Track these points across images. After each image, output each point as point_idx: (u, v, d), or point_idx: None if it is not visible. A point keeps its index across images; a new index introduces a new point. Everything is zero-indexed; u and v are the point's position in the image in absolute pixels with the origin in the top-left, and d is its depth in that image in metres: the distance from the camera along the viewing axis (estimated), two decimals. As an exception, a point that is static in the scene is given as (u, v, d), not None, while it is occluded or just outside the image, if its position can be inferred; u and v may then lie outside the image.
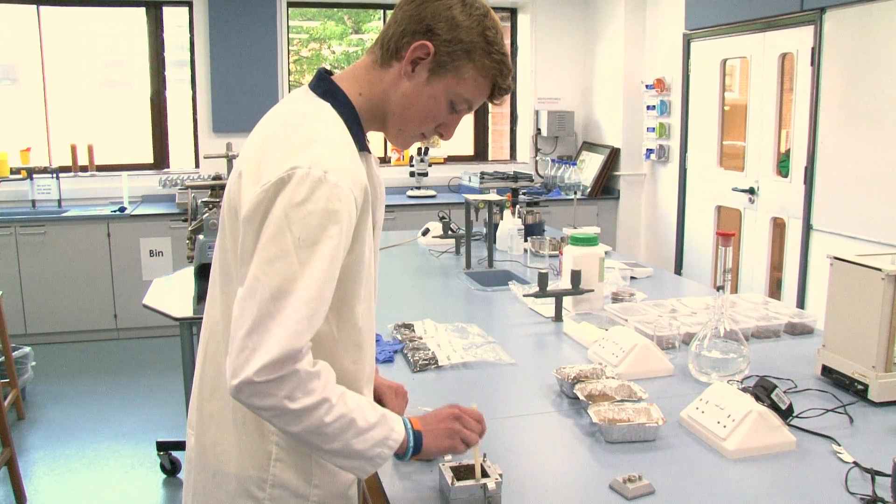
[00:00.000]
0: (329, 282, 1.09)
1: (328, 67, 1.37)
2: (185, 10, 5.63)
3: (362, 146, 1.22)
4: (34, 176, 5.27)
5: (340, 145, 1.15)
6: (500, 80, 1.26)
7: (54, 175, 5.31)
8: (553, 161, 5.91)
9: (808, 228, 4.15)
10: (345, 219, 1.09)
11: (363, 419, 1.12)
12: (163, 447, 3.34)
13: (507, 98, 6.48)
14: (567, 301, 2.41)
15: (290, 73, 5.80)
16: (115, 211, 5.15)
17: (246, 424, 1.20)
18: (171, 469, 3.29)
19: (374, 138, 1.33)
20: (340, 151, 1.14)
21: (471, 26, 1.20)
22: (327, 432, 1.09)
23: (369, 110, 1.24)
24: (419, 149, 5.89)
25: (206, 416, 1.25)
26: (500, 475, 1.25)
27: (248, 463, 1.20)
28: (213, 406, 1.24)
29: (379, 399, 1.43)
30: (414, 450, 1.20)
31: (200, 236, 2.92)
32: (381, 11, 6.28)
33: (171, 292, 3.17)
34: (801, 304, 4.22)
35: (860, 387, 1.66)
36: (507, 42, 6.38)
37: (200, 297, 2.93)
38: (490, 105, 6.52)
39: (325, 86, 1.22)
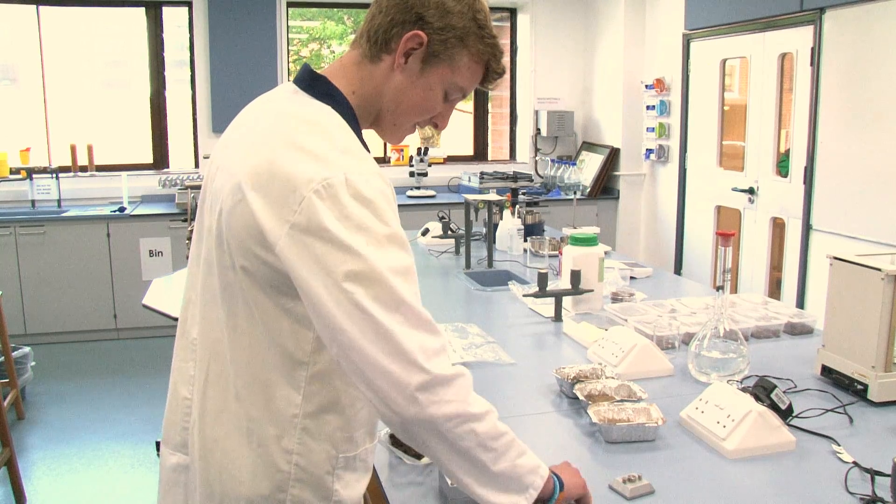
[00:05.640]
0: (413, 272, 1.05)
1: (322, 66, 1.33)
2: (185, 10, 5.63)
3: (364, 148, 1.18)
4: (34, 176, 5.27)
5: (359, 151, 1.11)
6: (493, 64, 1.21)
7: (54, 175, 5.30)
8: (553, 161, 5.90)
9: (807, 228, 4.15)
10: (394, 206, 1.06)
11: (518, 440, 1.07)
12: (162, 447, 3.34)
13: (503, 94, 6.48)
14: (567, 301, 2.41)
15: (289, 73, 5.80)
16: (114, 211, 5.15)
17: (262, 446, 1.13)
18: (170, 469, 3.29)
19: (372, 137, 1.30)
20: (362, 156, 1.09)
21: (462, 11, 1.16)
22: (498, 446, 1.03)
23: (363, 108, 1.20)
24: (419, 149, 5.89)
25: (209, 442, 1.18)
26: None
27: (263, 486, 1.13)
28: (219, 431, 1.17)
29: None
30: (560, 488, 1.13)
31: (200, 236, 2.91)
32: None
33: (170, 292, 3.17)
34: (800, 304, 4.22)
35: (860, 387, 1.66)
36: (507, 42, 6.31)
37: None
38: (490, 105, 6.52)
39: (321, 86, 1.17)
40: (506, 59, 1.26)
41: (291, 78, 1.54)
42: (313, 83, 1.17)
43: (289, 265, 1.02)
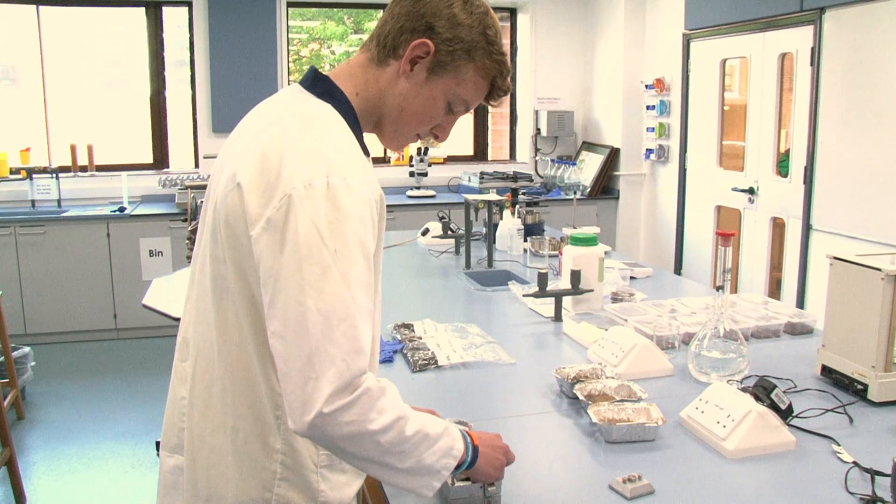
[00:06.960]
0: (371, 288, 1.06)
1: (326, 67, 1.34)
2: (185, 10, 5.63)
3: (363, 150, 1.18)
4: (34, 176, 5.27)
5: (352, 150, 1.12)
6: (499, 81, 1.22)
7: (54, 175, 5.31)
8: (553, 161, 5.90)
9: (807, 228, 4.15)
10: (369, 223, 1.07)
11: (434, 430, 1.08)
12: (162, 447, 3.34)
13: (506, 99, 6.47)
14: (567, 301, 2.41)
15: (289, 72, 5.80)
16: (114, 211, 5.15)
17: (248, 444, 1.14)
18: (170, 469, 3.29)
19: (372, 141, 1.30)
20: (354, 157, 1.10)
21: (472, 25, 1.16)
22: (404, 449, 1.04)
23: (366, 111, 1.20)
24: (419, 149, 5.89)
25: (196, 439, 1.18)
26: (500, 475, 1.25)
27: (249, 485, 1.15)
28: (205, 427, 1.17)
29: None
30: (469, 464, 1.15)
31: (200, 236, 2.91)
32: (382, 11, 6.28)
33: (170, 292, 3.17)
34: (800, 304, 4.22)
35: (860, 387, 1.66)
36: (507, 42, 6.31)
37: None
38: (489, 105, 6.51)
39: (323, 85, 1.18)
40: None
41: (293, 78, 1.55)
42: (315, 82, 1.19)
43: (256, 254, 1.05)
